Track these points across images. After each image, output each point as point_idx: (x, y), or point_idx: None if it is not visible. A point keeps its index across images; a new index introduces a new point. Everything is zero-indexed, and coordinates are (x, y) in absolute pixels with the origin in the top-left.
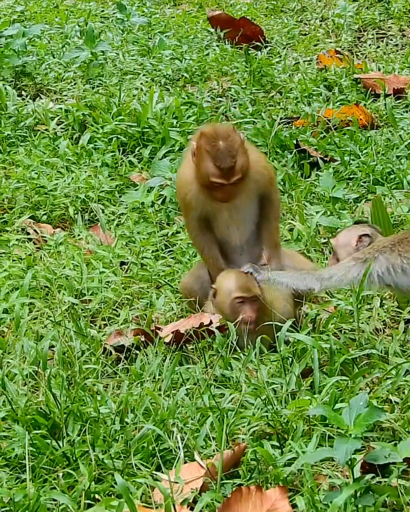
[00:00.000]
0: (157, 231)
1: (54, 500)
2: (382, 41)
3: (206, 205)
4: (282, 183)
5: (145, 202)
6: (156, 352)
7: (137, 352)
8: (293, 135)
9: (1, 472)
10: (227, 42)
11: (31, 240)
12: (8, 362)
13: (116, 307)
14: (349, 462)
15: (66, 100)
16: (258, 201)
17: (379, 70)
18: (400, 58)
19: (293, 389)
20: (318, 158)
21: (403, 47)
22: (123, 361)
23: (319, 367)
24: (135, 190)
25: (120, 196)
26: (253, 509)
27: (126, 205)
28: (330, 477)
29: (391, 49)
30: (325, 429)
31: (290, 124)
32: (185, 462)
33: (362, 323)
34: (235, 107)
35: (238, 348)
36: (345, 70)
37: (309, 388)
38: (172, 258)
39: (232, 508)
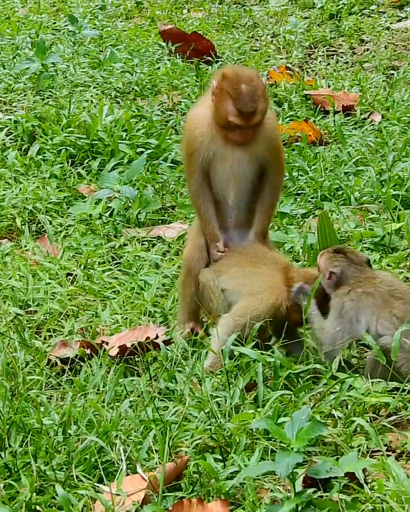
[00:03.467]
0: (105, 243)
1: None
2: (332, 58)
3: (214, 146)
4: None
5: (93, 214)
6: (100, 364)
7: (82, 363)
8: None
9: None
10: (178, 56)
11: None
12: None
13: (62, 318)
14: (291, 476)
15: (15, 111)
16: (261, 165)
17: (329, 87)
18: (350, 75)
19: (236, 403)
20: None
21: (353, 65)
22: (67, 372)
23: (263, 381)
24: (83, 202)
25: (68, 208)
26: None
27: (74, 217)
28: (272, 490)
29: (341, 66)
30: (267, 443)
31: None
32: (127, 475)
33: (307, 337)
34: (184, 121)
35: (182, 361)
36: (295, 87)
37: (253, 402)
38: (119, 270)
39: None
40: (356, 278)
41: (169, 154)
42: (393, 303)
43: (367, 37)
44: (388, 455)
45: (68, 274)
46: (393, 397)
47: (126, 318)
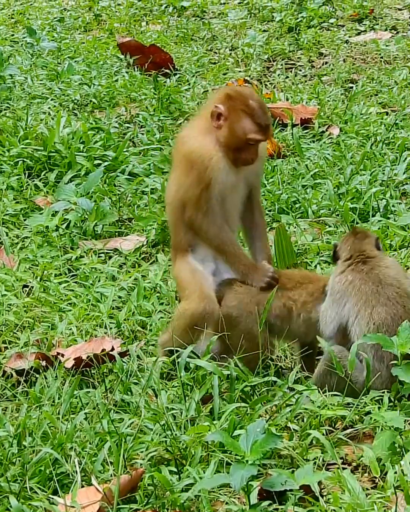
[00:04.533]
0: (61, 255)
1: None
2: (291, 71)
3: (226, 174)
4: None
5: (49, 226)
6: (56, 376)
7: (37, 375)
8: None
9: None
10: (136, 69)
11: None
12: None
13: (17, 330)
14: (246, 489)
15: None
16: (249, 186)
17: (287, 100)
18: (308, 88)
19: (192, 415)
20: None
21: (312, 78)
22: (22, 384)
23: (219, 393)
24: (40, 214)
25: (24, 220)
26: None
27: (31, 228)
28: (227, 503)
29: (299, 79)
30: (223, 455)
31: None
32: (82, 487)
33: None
34: (142, 134)
35: (138, 373)
36: None
37: (209, 414)
38: (75, 282)
39: None
40: (356, 259)
41: (127, 166)
42: (378, 300)
43: (326, 50)
44: (343, 468)
45: (24, 286)
46: (349, 410)
47: (82, 330)
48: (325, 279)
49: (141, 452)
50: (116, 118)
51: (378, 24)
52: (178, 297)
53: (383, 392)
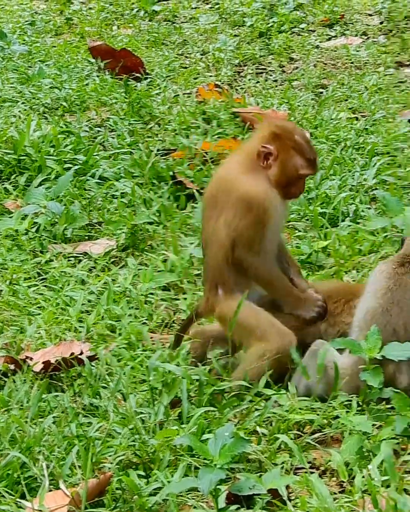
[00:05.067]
0: (30, 259)
1: None
2: (262, 76)
3: (281, 212)
4: (157, 214)
5: (19, 229)
6: (24, 380)
7: (5, 379)
8: (170, 166)
9: None
10: (107, 73)
11: None
12: None
13: None
14: (214, 493)
15: None
16: None
17: (258, 104)
18: (279, 93)
19: (161, 419)
20: (194, 190)
21: (282, 83)
22: None
23: (188, 397)
24: (10, 217)
25: None
26: None
27: (0, 232)
28: (195, 507)
29: (270, 84)
30: (191, 460)
31: (167, 156)
32: (50, 490)
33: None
34: (113, 138)
35: (107, 377)
36: (223, 104)
37: (177, 418)
38: (44, 286)
39: None
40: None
41: (97, 170)
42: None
43: (297, 55)
44: (311, 472)
45: None
46: (318, 414)
47: (51, 333)
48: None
49: (110, 456)
50: (86, 122)
51: (348, 29)
52: (238, 338)
53: (352, 397)
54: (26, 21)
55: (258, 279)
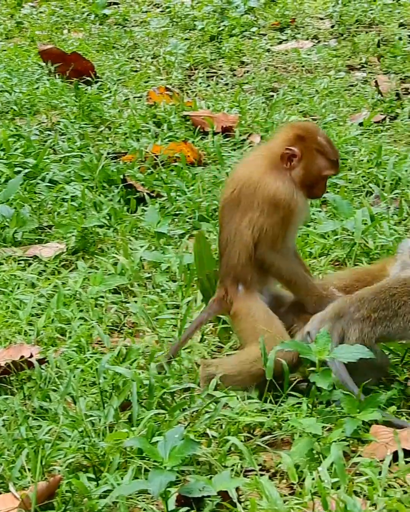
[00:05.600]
0: None
1: None
2: (212, 79)
3: (304, 210)
4: (107, 217)
5: None
6: None
7: None
8: (121, 170)
9: None
10: (57, 77)
11: None
12: None
13: None
14: (164, 495)
15: None
16: None
17: (208, 108)
18: (230, 97)
19: (111, 422)
20: (145, 193)
21: (233, 86)
22: None
23: (138, 400)
24: None
25: None
26: None
27: None
28: (144, 509)
29: (221, 88)
30: (141, 462)
31: (118, 159)
32: None
33: (184, 356)
34: (63, 141)
35: (56, 380)
36: (174, 107)
37: (127, 421)
38: None
39: None
40: None
41: (47, 173)
42: None
43: (248, 59)
44: (261, 475)
45: None
46: (268, 417)
47: (1, 336)
48: (377, 267)
49: (59, 458)
50: (37, 125)
51: (299, 33)
52: (244, 337)
53: (301, 399)
54: None
55: (281, 277)
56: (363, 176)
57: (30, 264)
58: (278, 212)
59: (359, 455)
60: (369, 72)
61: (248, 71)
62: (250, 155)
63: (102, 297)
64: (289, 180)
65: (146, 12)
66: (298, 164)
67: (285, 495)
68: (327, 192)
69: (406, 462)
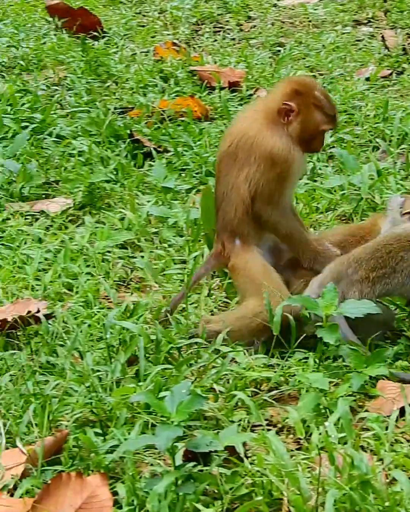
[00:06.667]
0: None
1: None
2: (219, 34)
3: (302, 167)
4: (114, 172)
5: None
6: None
7: None
8: (127, 125)
9: None
10: (64, 32)
11: None
12: None
13: None
14: (170, 450)
15: None
16: None
17: (215, 63)
18: (236, 52)
19: (118, 377)
20: (152, 148)
21: (240, 41)
22: None
23: (145, 355)
24: None
25: None
26: (73, 496)
27: None
28: (151, 464)
29: (227, 43)
30: (148, 417)
31: (125, 114)
32: (6, 448)
33: (191, 310)
34: (70, 96)
35: (63, 335)
36: (181, 62)
37: (134, 376)
38: (1, 244)
39: (51, 494)
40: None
41: (54, 128)
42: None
43: (254, 13)
44: (268, 430)
45: None
46: (275, 372)
47: (8, 292)
48: (368, 225)
49: (67, 414)
50: (44, 80)
51: None
52: (242, 289)
53: (308, 354)
54: None
55: (277, 232)
56: (369, 131)
57: (37, 219)
58: (275, 168)
59: (366, 410)
60: (376, 27)
61: (254, 26)
62: (248, 110)
63: (109, 252)
64: (286, 135)
65: None
66: (295, 119)
67: (291, 450)
68: (334, 147)
69: None
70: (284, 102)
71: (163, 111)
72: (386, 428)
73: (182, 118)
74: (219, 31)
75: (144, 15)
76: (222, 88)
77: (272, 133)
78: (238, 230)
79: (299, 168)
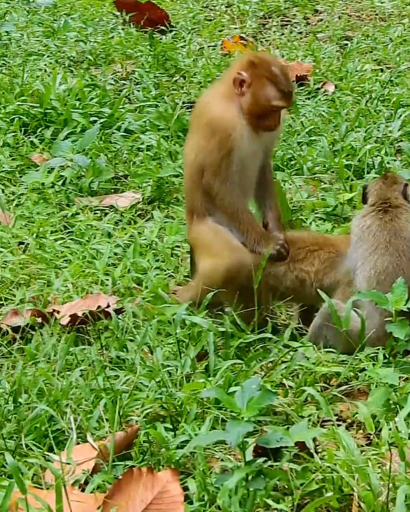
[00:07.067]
0: (57, 212)
1: None
2: (286, 28)
3: (249, 142)
4: None
5: (45, 182)
6: (51, 333)
7: (33, 332)
8: None
9: None
10: (132, 26)
11: None
12: None
13: (13, 287)
14: (241, 445)
15: None
16: (267, 152)
17: (283, 57)
18: (304, 45)
19: (187, 372)
20: None
21: (307, 35)
22: (18, 341)
23: (214, 350)
24: (36, 170)
25: (20, 176)
26: (144, 491)
27: (27, 185)
28: (222, 460)
29: (295, 36)
30: (218, 412)
31: (193, 108)
32: (77, 443)
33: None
34: (138, 91)
35: (133, 330)
36: None
37: (204, 371)
38: (71, 239)
39: (122, 490)
40: (378, 206)
41: (123, 123)
42: (388, 250)
43: (321, 7)
44: (338, 425)
45: (20, 243)
46: (344, 367)
47: (78, 287)
48: (337, 242)
49: (137, 409)
50: (112, 75)
51: None
52: (198, 258)
53: (378, 349)
54: None
55: (223, 208)
56: None
57: (106, 214)
58: (215, 135)
59: None
60: None
61: (321, 20)
62: (216, 81)
63: (178, 246)
64: (236, 106)
65: None
66: (248, 91)
67: (361, 446)
68: (402, 141)
69: None
70: (238, 72)
71: None
72: None
73: None
74: (286, 25)
75: (211, 9)
76: None
77: (221, 102)
78: (192, 204)
79: (246, 143)
